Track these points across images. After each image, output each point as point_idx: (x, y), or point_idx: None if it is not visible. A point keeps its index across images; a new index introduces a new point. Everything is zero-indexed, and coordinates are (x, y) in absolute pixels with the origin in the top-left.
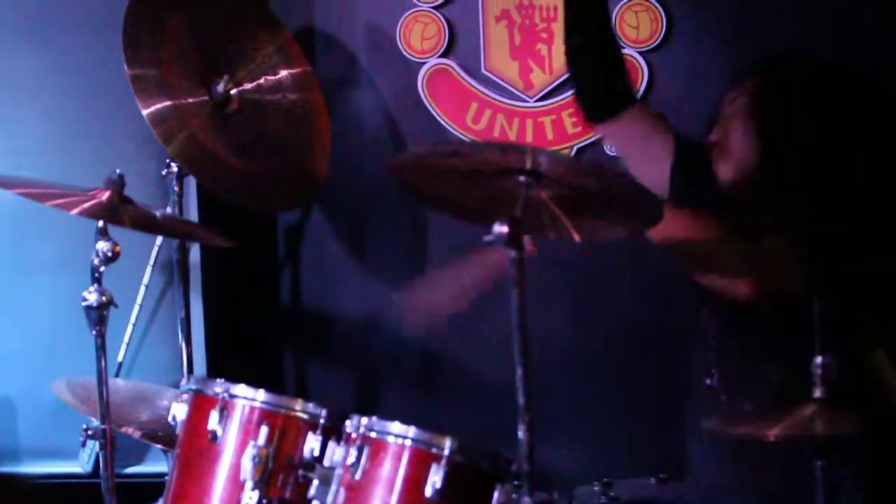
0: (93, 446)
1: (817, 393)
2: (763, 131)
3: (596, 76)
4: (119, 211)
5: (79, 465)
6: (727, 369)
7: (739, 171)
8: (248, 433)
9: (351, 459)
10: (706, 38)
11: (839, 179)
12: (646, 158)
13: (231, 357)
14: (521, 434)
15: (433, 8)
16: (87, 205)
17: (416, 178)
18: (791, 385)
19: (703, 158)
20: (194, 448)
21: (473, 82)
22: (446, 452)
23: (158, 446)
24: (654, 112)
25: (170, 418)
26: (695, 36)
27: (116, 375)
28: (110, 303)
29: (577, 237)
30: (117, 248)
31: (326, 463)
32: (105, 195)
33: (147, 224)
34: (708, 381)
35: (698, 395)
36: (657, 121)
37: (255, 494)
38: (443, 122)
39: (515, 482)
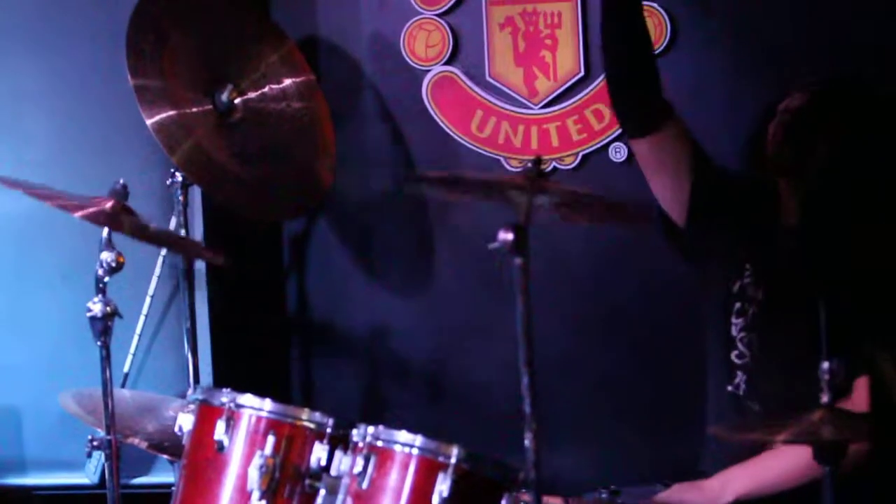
0: (99, 457)
1: (824, 398)
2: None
3: (634, 91)
4: (121, 220)
5: (85, 476)
6: (762, 380)
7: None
8: (254, 443)
9: (358, 469)
10: (711, 44)
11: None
12: (669, 176)
13: (237, 367)
14: (527, 442)
15: (437, 15)
16: (90, 210)
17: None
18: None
19: (718, 171)
20: (201, 458)
21: (478, 89)
22: (453, 461)
23: (165, 457)
24: (682, 125)
25: (176, 428)
26: (700, 43)
27: (122, 386)
28: (115, 313)
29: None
30: (121, 259)
31: (333, 472)
32: (108, 204)
33: (144, 236)
34: (729, 388)
35: (718, 401)
36: (685, 137)
37: None
38: (447, 130)
39: (523, 490)
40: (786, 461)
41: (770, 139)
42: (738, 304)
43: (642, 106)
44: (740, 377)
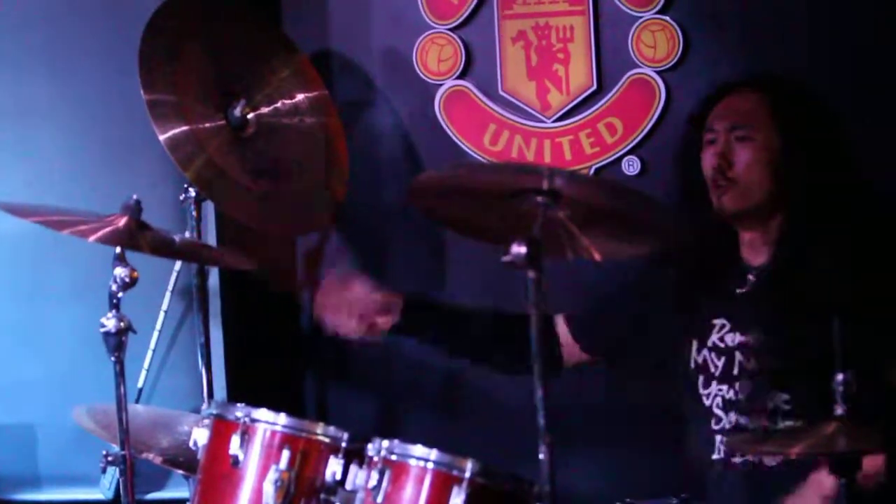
0: (113, 472)
1: (838, 410)
2: (773, 155)
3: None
4: (136, 237)
5: (100, 491)
6: (757, 407)
7: (745, 199)
8: (269, 457)
9: (373, 483)
10: (723, 57)
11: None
12: None
13: (251, 381)
14: (541, 455)
15: (449, 30)
16: (104, 231)
17: (433, 202)
18: None
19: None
20: (216, 473)
21: (490, 103)
22: (468, 475)
23: (180, 472)
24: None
25: (191, 443)
26: (711, 55)
27: (136, 401)
28: (128, 329)
29: (597, 256)
30: (135, 274)
31: (348, 486)
32: (122, 221)
33: (165, 249)
34: (715, 457)
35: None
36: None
37: None
38: (460, 144)
39: (537, 503)
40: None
41: (710, 183)
42: (712, 341)
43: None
44: (738, 412)
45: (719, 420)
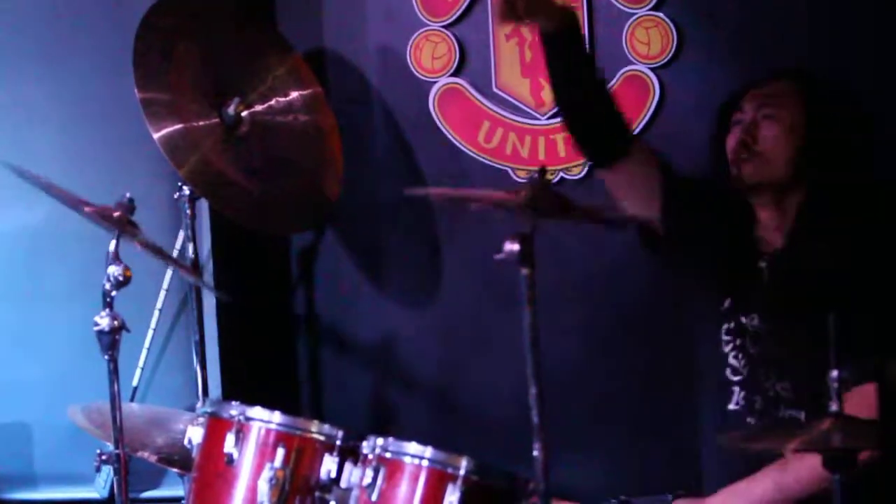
0: (108, 471)
1: (833, 407)
2: (797, 137)
3: (592, 128)
4: (126, 229)
5: (95, 490)
6: (758, 391)
7: (764, 173)
8: (264, 455)
9: (367, 480)
10: (717, 54)
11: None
12: (640, 199)
13: (246, 380)
14: (536, 452)
15: (443, 27)
16: (98, 214)
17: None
18: None
19: (690, 191)
20: (210, 471)
21: (485, 101)
22: (462, 472)
23: (174, 470)
24: (647, 150)
25: (185, 442)
26: (706, 52)
27: (131, 400)
28: (122, 327)
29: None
30: (129, 273)
31: (343, 484)
32: (115, 214)
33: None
34: (730, 407)
35: (715, 420)
36: (651, 160)
37: None
38: (454, 141)
39: (532, 501)
40: (789, 478)
41: (731, 157)
42: (726, 324)
43: (600, 140)
44: (737, 394)
45: (737, 371)
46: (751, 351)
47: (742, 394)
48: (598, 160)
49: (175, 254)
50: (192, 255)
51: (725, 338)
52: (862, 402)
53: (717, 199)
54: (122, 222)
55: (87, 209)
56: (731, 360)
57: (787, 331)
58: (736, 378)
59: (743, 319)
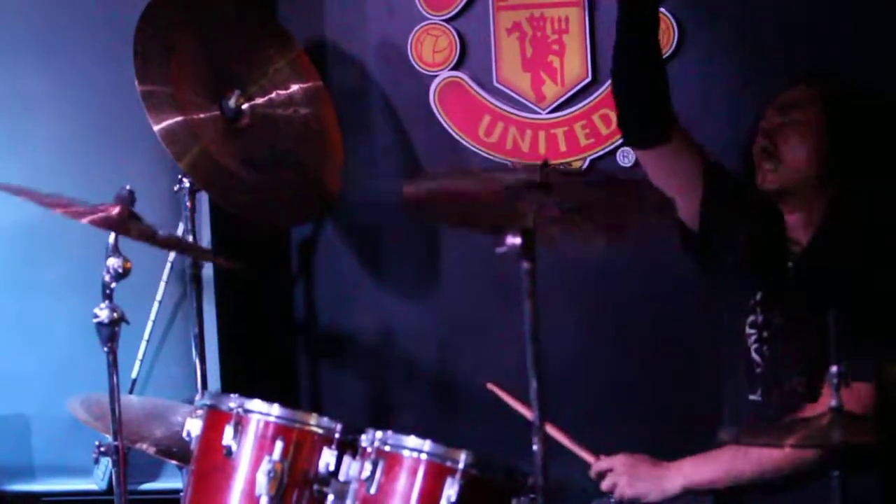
0: (107, 463)
1: (833, 402)
2: (819, 142)
3: (645, 103)
4: (128, 226)
5: (93, 482)
6: (776, 384)
7: (787, 179)
8: (262, 448)
9: (366, 474)
10: (718, 49)
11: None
12: (682, 187)
13: (245, 372)
14: (535, 446)
15: (444, 21)
16: (96, 216)
17: (427, 205)
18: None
19: (730, 183)
20: (209, 463)
21: (485, 95)
22: (461, 466)
23: (173, 462)
24: (689, 136)
25: (184, 434)
26: (706, 48)
27: (130, 392)
28: (121, 319)
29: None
30: (128, 265)
31: (342, 477)
32: (115, 210)
33: (152, 241)
34: (752, 397)
35: (738, 409)
36: (693, 147)
37: None
38: (455, 135)
39: (531, 495)
40: (747, 460)
41: (756, 164)
42: (752, 317)
43: (651, 118)
44: (759, 386)
45: (758, 365)
46: (771, 346)
47: (762, 386)
48: (647, 138)
49: None
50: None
51: (750, 331)
52: (853, 399)
53: (750, 196)
54: (122, 221)
55: (84, 219)
56: (754, 354)
57: (806, 329)
58: (757, 371)
59: (768, 315)
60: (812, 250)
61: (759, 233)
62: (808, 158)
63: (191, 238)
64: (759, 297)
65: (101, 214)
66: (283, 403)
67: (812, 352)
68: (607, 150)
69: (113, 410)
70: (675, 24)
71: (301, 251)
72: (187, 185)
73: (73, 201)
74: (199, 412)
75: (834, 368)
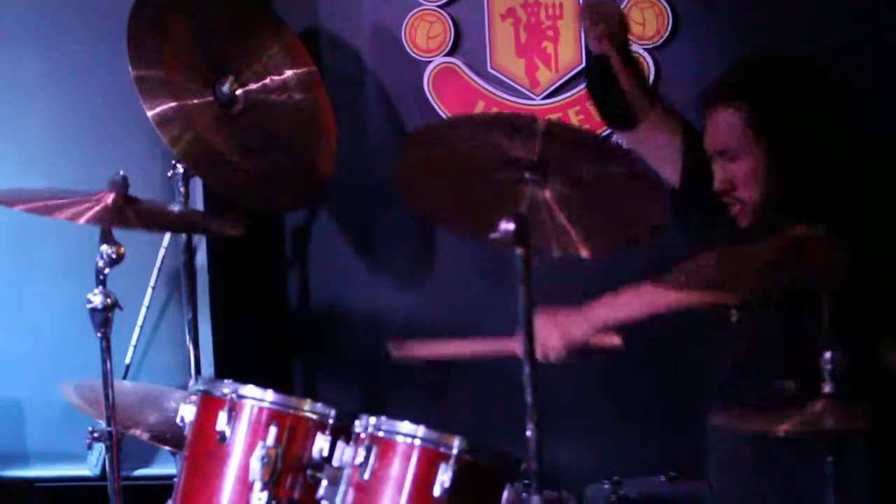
0: (100, 449)
1: (827, 388)
2: (763, 164)
3: (613, 90)
4: (125, 212)
5: (87, 467)
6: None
7: (759, 212)
8: (256, 434)
9: (360, 459)
10: (712, 35)
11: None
12: (666, 162)
13: (239, 358)
14: (529, 433)
15: (438, 6)
16: (92, 212)
17: (421, 190)
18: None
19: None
20: (203, 449)
21: (479, 80)
22: (455, 452)
23: (167, 448)
24: (669, 110)
25: (178, 420)
26: (701, 33)
27: (124, 378)
28: (115, 305)
29: (584, 253)
30: (122, 251)
31: (335, 463)
32: (109, 198)
33: (155, 221)
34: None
35: (721, 394)
36: (671, 120)
37: (264, 495)
38: None
39: (525, 481)
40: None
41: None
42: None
43: (618, 116)
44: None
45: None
46: (744, 333)
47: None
48: (619, 125)
49: (167, 234)
50: (186, 234)
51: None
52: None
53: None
54: (119, 210)
55: (81, 220)
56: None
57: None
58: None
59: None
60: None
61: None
62: (764, 185)
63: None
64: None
65: (97, 208)
66: (277, 389)
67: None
68: (601, 135)
69: (106, 396)
70: (669, 10)
71: (295, 237)
72: (181, 170)
73: (67, 198)
74: (193, 398)
75: (828, 354)
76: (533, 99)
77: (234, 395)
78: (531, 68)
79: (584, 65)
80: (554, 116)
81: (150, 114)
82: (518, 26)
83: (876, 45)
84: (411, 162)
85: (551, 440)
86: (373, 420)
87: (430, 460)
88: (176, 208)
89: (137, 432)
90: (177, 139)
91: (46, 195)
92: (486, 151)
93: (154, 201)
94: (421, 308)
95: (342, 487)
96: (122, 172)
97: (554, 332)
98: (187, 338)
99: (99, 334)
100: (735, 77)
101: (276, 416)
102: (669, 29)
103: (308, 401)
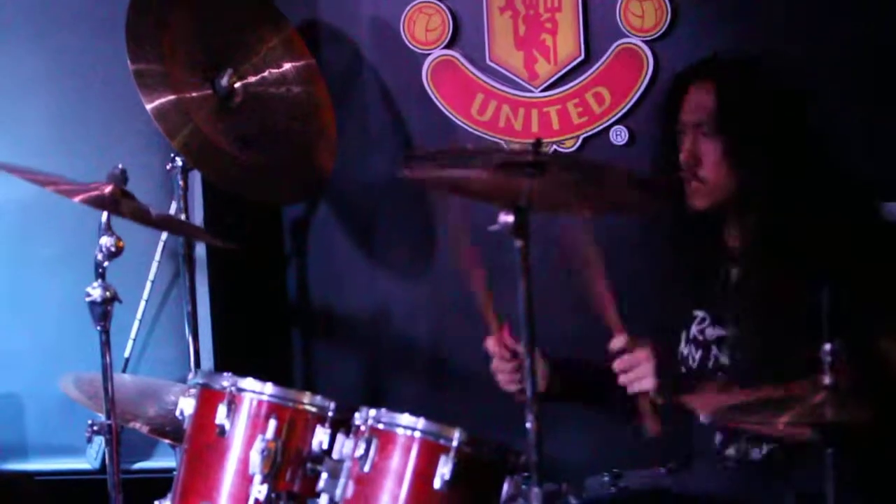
0: (99, 442)
1: (826, 380)
2: (736, 153)
3: None
4: (121, 205)
5: (86, 461)
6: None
7: (717, 196)
8: (256, 427)
9: (360, 452)
10: (711, 27)
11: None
12: None
13: (238, 351)
14: (529, 425)
15: None
16: (88, 194)
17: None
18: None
19: None
20: (202, 442)
21: (478, 73)
22: (455, 444)
23: (166, 441)
24: None
25: (177, 413)
26: (699, 25)
27: (123, 371)
28: (114, 298)
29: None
30: (121, 243)
31: (335, 456)
32: (107, 189)
33: (145, 220)
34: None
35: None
36: None
37: (264, 488)
38: (448, 114)
39: (524, 473)
40: None
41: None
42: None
43: None
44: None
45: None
46: (720, 363)
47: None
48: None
49: None
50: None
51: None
52: None
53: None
54: (115, 200)
55: (77, 197)
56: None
57: (760, 337)
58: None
59: (711, 332)
60: (752, 257)
61: (695, 245)
62: (729, 170)
63: (183, 217)
64: (699, 314)
65: (93, 193)
66: (277, 382)
67: (772, 361)
68: (600, 128)
69: (106, 389)
70: (667, 3)
71: (294, 230)
72: (180, 163)
73: (66, 180)
74: (192, 391)
75: (827, 346)
76: (532, 91)
77: (233, 388)
78: (530, 61)
79: (582, 57)
80: (553, 108)
81: (148, 107)
82: (517, 19)
83: (875, 40)
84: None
85: (551, 432)
86: (372, 412)
87: (430, 453)
88: (174, 205)
89: (137, 425)
90: (175, 132)
91: (45, 174)
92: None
93: (147, 204)
94: (420, 301)
95: (342, 480)
96: (120, 165)
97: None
98: (186, 331)
99: (98, 327)
100: (717, 60)
101: (275, 409)
102: (668, 21)
103: (307, 393)
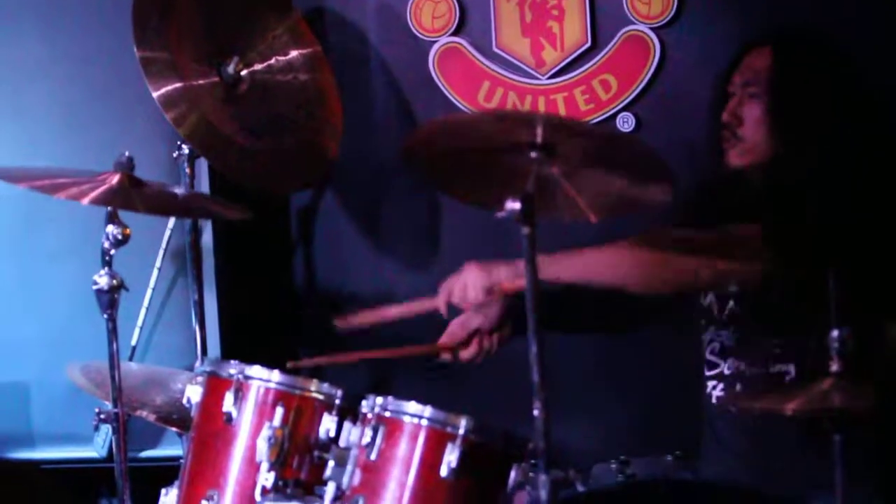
0: (107, 430)
1: (834, 367)
2: (779, 118)
3: None
4: (130, 194)
5: (93, 449)
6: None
7: (753, 158)
8: (263, 414)
9: (366, 440)
10: (718, 14)
11: (851, 164)
12: None
13: (245, 339)
14: (536, 412)
15: None
16: (97, 192)
17: (427, 163)
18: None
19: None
20: (209, 430)
21: (485, 60)
22: (462, 432)
23: (173, 429)
24: None
25: (184, 401)
26: (706, 12)
27: (130, 359)
28: (121, 286)
29: (592, 218)
30: (127, 231)
31: (342, 443)
32: (115, 179)
33: (161, 204)
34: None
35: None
36: None
37: (271, 476)
38: (454, 101)
39: (532, 461)
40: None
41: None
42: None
43: None
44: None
45: (714, 366)
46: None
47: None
48: None
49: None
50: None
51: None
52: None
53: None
54: (124, 191)
55: (85, 200)
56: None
57: (776, 292)
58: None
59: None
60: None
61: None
62: (769, 132)
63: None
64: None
65: (102, 188)
66: (283, 369)
67: (786, 315)
68: (607, 114)
69: (113, 378)
70: None
71: (300, 217)
72: (186, 151)
73: (73, 178)
74: (199, 379)
75: (835, 332)
76: (538, 79)
77: (240, 376)
78: (536, 48)
79: (589, 44)
80: (560, 95)
81: (155, 95)
82: (523, 6)
83: (885, 20)
84: (415, 154)
85: (558, 420)
86: (379, 400)
87: (437, 440)
88: (180, 190)
89: (144, 413)
90: (182, 120)
91: (52, 173)
92: (488, 140)
93: (159, 183)
94: (426, 288)
95: (349, 468)
96: (127, 153)
97: (479, 274)
98: (193, 319)
99: (105, 315)
100: (780, 27)
101: (282, 397)
102: (675, 8)
103: (314, 381)
